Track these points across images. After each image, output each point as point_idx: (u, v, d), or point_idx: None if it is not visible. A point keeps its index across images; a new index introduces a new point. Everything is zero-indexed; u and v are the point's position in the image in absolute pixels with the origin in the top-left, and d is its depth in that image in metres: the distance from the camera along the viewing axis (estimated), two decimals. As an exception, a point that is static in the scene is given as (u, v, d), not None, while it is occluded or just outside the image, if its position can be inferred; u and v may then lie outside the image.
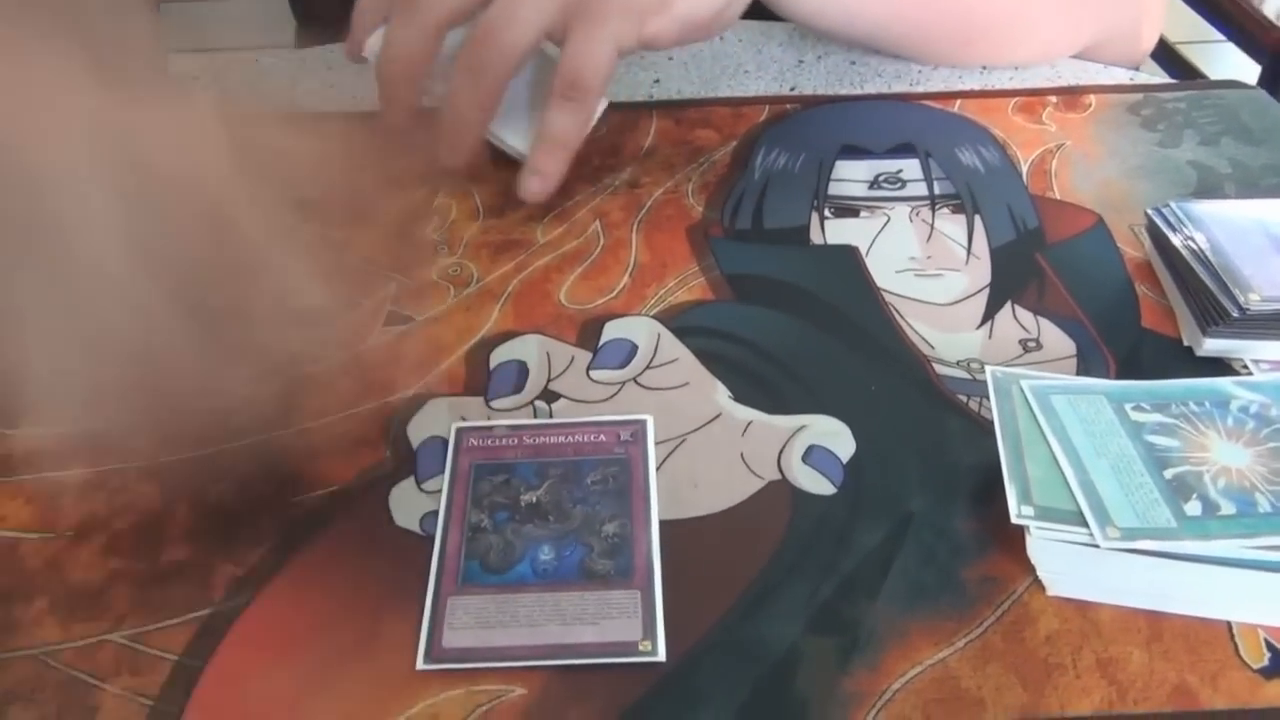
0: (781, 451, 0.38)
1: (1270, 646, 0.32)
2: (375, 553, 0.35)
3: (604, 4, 0.47)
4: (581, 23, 0.47)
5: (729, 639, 0.32)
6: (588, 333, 0.44)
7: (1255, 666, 0.31)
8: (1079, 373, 0.41)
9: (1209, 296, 0.41)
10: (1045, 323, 0.44)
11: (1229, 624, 0.32)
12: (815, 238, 0.49)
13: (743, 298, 0.46)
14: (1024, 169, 0.53)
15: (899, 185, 0.52)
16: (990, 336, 0.43)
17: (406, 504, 0.37)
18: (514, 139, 0.51)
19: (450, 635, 0.32)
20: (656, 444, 0.38)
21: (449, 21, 0.47)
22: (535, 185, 0.50)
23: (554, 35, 0.47)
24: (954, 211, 0.50)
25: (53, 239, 0.31)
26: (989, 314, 0.44)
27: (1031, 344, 0.43)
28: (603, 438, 0.38)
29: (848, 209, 0.51)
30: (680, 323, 0.44)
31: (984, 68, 0.63)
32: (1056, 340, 0.43)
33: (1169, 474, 0.34)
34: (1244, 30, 1.15)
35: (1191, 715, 0.30)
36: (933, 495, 0.36)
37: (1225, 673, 0.31)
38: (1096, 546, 0.32)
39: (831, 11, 0.60)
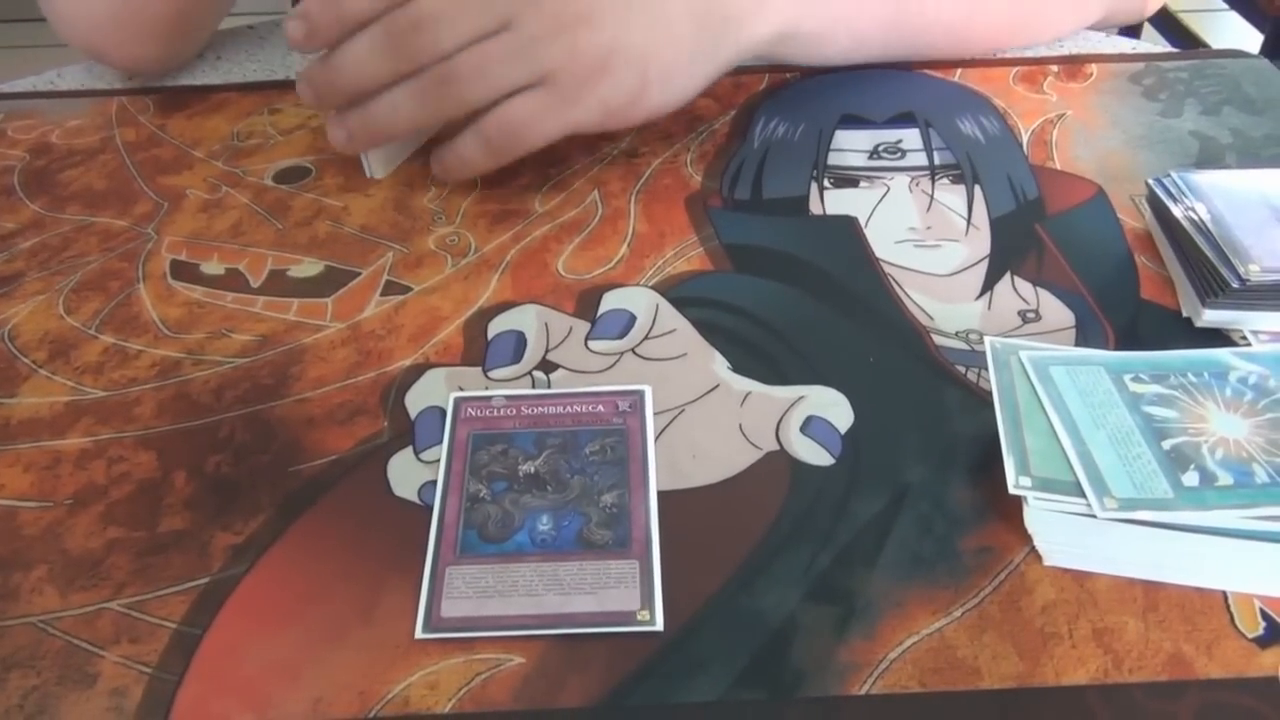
0: (780, 422, 0.38)
1: (1265, 616, 0.32)
2: (374, 522, 0.35)
3: (582, 88, 0.45)
4: (552, 90, 0.45)
5: (727, 609, 0.32)
6: (586, 303, 0.44)
7: (1250, 635, 0.31)
8: (1078, 344, 0.41)
9: (1209, 267, 0.41)
10: (1044, 294, 0.43)
11: (1224, 594, 0.32)
12: (814, 208, 0.49)
13: (741, 268, 0.45)
14: (1024, 139, 0.53)
15: (899, 155, 0.52)
16: (989, 307, 0.43)
17: (405, 474, 0.37)
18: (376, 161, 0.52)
19: (449, 604, 0.32)
20: (655, 414, 0.38)
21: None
22: (340, 136, 0.49)
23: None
24: (954, 182, 0.50)
25: None
26: (988, 285, 0.44)
27: (1030, 315, 0.42)
28: (601, 408, 0.38)
29: (847, 179, 0.50)
30: (679, 293, 0.44)
31: None
32: (1055, 311, 0.43)
33: (1167, 445, 0.34)
34: (1246, -2, 1.15)
35: (1187, 684, 0.30)
36: (931, 466, 0.36)
37: (1221, 642, 0.31)
38: (1094, 517, 0.32)
39: (832, 50, 0.57)
